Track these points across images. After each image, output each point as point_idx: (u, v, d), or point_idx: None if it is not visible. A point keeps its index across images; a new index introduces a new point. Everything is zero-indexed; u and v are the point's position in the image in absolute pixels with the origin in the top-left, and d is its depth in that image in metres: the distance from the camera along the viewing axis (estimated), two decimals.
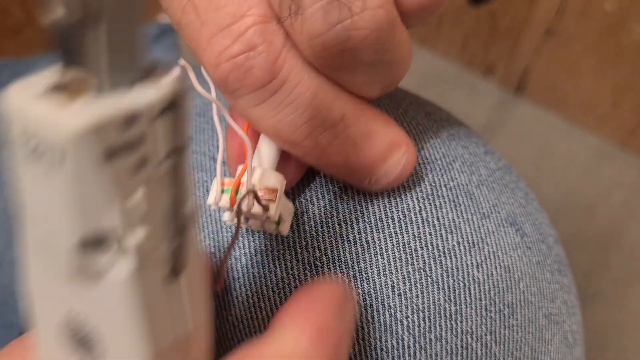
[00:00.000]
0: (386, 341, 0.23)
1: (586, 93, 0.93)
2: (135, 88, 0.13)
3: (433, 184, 0.25)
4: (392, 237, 0.24)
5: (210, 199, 0.21)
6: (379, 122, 0.22)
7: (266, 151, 0.22)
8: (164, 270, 0.14)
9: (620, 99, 0.91)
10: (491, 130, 0.95)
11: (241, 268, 0.24)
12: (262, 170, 0.21)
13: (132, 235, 0.13)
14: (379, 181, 0.23)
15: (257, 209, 0.21)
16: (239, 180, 0.21)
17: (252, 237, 0.25)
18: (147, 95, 0.13)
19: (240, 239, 0.25)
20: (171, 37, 0.45)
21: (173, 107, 0.13)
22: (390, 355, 0.23)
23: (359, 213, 0.24)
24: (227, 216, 0.22)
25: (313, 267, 0.24)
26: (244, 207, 0.20)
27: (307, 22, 0.18)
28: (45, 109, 0.13)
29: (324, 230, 0.24)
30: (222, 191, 0.21)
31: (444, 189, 0.25)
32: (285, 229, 0.22)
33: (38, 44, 0.91)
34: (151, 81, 0.13)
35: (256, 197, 0.20)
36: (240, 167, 0.22)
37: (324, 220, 0.24)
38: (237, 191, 0.21)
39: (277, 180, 0.21)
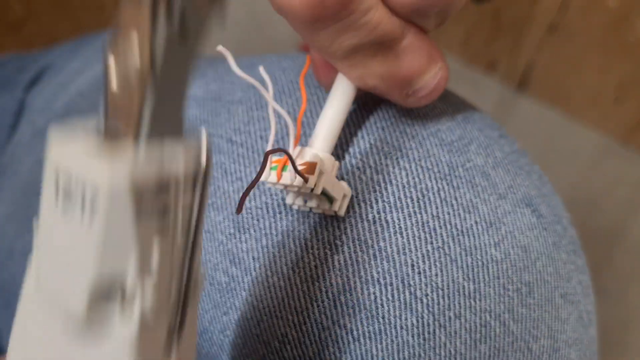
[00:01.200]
0: (406, 319, 0.23)
1: (589, 89, 0.93)
2: (169, 144, 0.14)
3: (450, 165, 0.25)
4: (411, 216, 0.24)
5: (264, 177, 0.22)
6: (421, 37, 0.23)
7: (324, 133, 0.23)
8: (167, 325, 0.15)
9: (623, 95, 0.91)
10: None
11: (261, 248, 0.24)
12: (313, 151, 0.23)
13: (142, 288, 0.14)
14: (417, 93, 0.24)
15: (297, 180, 0.21)
16: (286, 159, 0.22)
17: (273, 217, 0.25)
18: (180, 162, 0.14)
19: (260, 219, 0.25)
20: None
21: (202, 176, 0.15)
22: (410, 333, 0.23)
23: (377, 193, 0.24)
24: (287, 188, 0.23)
25: (333, 246, 0.24)
26: (286, 176, 0.21)
27: None
28: (87, 153, 0.13)
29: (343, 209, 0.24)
30: (271, 168, 0.22)
31: (460, 169, 0.25)
32: (338, 207, 0.23)
33: (39, 39, 0.91)
34: (183, 141, 0.14)
35: (294, 167, 0.21)
36: (292, 148, 0.23)
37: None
38: (283, 167, 0.22)
39: (323, 158, 0.22)
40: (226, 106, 0.28)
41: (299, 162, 0.22)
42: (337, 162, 0.23)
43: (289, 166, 0.21)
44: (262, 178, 0.22)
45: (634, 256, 0.87)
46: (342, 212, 0.23)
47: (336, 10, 0.19)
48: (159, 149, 0.14)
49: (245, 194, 0.20)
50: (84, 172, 0.13)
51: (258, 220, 0.25)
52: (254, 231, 0.25)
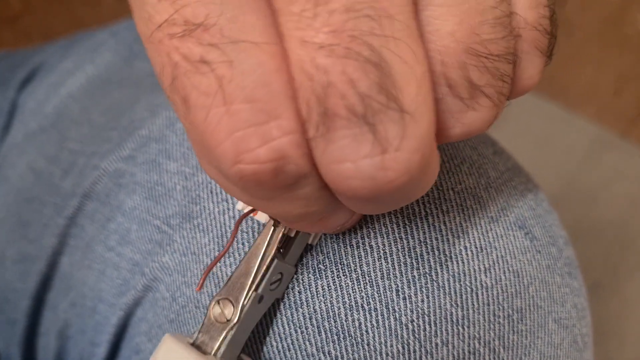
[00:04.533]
0: (392, 346, 0.23)
1: (587, 82, 0.92)
2: None
3: (440, 188, 0.24)
4: (397, 242, 0.23)
5: (239, 205, 0.23)
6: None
7: None
8: None
9: (621, 88, 0.90)
10: None
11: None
12: None
13: None
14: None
15: (262, 216, 0.23)
16: None
17: (251, 241, 0.25)
18: None
19: (246, 244, 0.25)
20: None
21: None
22: None
23: (362, 219, 0.24)
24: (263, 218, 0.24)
25: (316, 271, 0.23)
26: (265, 232, 0.22)
27: (332, 146, 0.15)
28: (187, 356, 0.21)
29: (327, 235, 0.24)
30: None
31: (451, 192, 0.25)
32: (311, 239, 0.24)
33: (35, 33, 0.90)
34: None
35: (273, 219, 0.22)
36: None
37: None
38: None
39: None
40: None
41: None
42: None
43: None
44: (239, 207, 0.23)
45: (632, 250, 0.87)
46: (314, 242, 0.24)
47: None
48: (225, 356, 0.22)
49: (208, 269, 0.22)
50: None
51: (243, 244, 0.25)
52: (238, 255, 0.25)
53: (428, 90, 0.16)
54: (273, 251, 0.22)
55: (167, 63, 0.15)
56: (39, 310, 0.33)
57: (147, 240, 0.28)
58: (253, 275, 0.21)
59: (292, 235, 0.22)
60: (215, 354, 0.21)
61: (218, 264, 0.25)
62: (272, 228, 0.22)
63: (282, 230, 0.22)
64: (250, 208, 0.22)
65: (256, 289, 0.22)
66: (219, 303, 0.22)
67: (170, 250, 0.27)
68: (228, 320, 0.21)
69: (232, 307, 0.21)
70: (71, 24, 0.91)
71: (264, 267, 0.22)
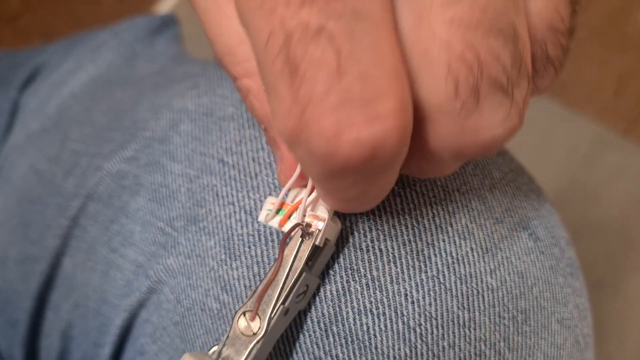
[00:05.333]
0: (399, 349, 0.23)
1: (589, 81, 0.92)
2: None
3: (446, 189, 0.24)
4: (405, 244, 0.23)
5: (262, 217, 0.22)
6: None
7: None
8: None
9: (623, 87, 0.90)
10: None
11: (253, 276, 0.24)
12: (321, 205, 0.22)
13: None
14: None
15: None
16: (296, 206, 0.22)
17: (265, 245, 0.24)
18: None
19: (252, 247, 0.25)
20: (172, 30, 0.44)
21: None
22: None
23: (371, 222, 0.24)
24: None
25: (325, 276, 0.23)
26: (291, 244, 0.22)
27: (474, 117, 0.16)
28: None
29: (336, 239, 0.24)
30: (278, 211, 0.22)
31: (456, 193, 0.24)
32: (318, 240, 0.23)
33: (35, 32, 0.90)
34: None
35: (302, 230, 0.21)
36: (298, 192, 0.22)
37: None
38: (289, 216, 0.22)
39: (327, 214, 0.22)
40: (218, 123, 0.28)
41: (309, 212, 0.22)
42: (339, 225, 0.23)
43: (296, 214, 0.21)
44: (262, 220, 0.22)
45: (634, 249, 0.87)
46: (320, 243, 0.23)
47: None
48: None
49: (260, 296, 0.21)
50: None
51: (249, 247, 0.25)
52: (245, 258, 0.24)
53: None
54: (302, 264, 0.21)
55: (278, 31, 0.15)
56: (42, 311, 0.33)
57: (150, 242, 0.27)
58: (280, 288, 0.21)
59: (321, 245, 0.22)
60: None
61: (224, 267, 0.25)
62: (300, 239, 0.21)
63: (312, 241, 0.21)
64: (290, 224, 0.22)
65: (283, 302, 0.21)
66: (244, 315, 0.21)
67: (174, 253, 0.27)
68: (254, 334, 0.21)
69: (259, 320, 0.21)
70: (71, 24, 0.91)
71: (292, 280, 0.21)
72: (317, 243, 0.21)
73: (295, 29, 0.15)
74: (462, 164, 0.21)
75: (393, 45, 0.15)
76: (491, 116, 0.16)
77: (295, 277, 0.21)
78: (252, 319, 0.21)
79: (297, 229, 0.21)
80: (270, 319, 0.21)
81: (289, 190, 0.22)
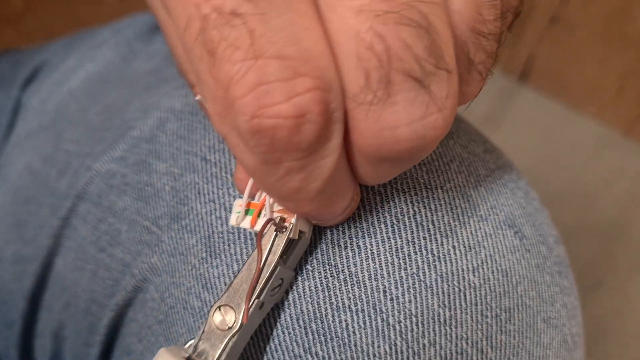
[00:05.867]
0: (379, 346, 0.23)
1: (590, 81, 0.92)
2: None
3: (429, 187, 0.24)
4: (384, 241, 0.23)
5: (232, 221, 0.22)
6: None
7: None
8: None
9: (624, 86, 0.90)
10: (494, 118, 0.95)
11: (233, 274, 0.24)
12: None
13: None
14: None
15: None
16: (263, 203, 0.22)
17: (244, 243, 0.25)
18: None
19: (232, 245, 0.25)
20: None
21: None
22: None
23: (350, 219, 0.24)
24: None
25: (303, 271, 0.23)
26: (266, 238, 0.22)
27: (388, 111, 0.16)
28: None
29: (314, 236, 0.24)
30: (247, 212, 0.22)
31: (440, 190, 0.24)
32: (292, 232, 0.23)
33: (37, 33, 0.90)
34: None
35: (275, 225, 0.21)
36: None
37: (315, 226, 0.23)
38: (259, 214, 0.22)
39: None
40: (202, 121, 0.28)
41: (277, 207, 0.22)
42: None
43: (264, 211, 0.21)
44: (233, 223, 0.22)
45: (633, 249, 0.87)
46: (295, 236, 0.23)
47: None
48: None
49: (248, 297, 0.21)
50: None
51: (229, 245, 0.25)
52: (225, 257, 0.25)
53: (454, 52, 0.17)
54: (277, 258, 0.21)
55: (194, 15, 0.15)
56: (35, 311, 0.33)
57: (137, 241, 0.28)
58: (255, 281, 0.21)
59: (296, 237, 0.22)
60: None
61: (205, 265, 0.25)
62: (274, 234, 0.21)
63: (286, 235, 0.21)
64: (262, 222, 0.22)
65: (258, 296, 0.21)
66: (219, 309, 0.21)
67: (158, 251, 0.27)
68: (230, 328, 0.21)
69: (233, 314, 0.21)
70: (72, 24, 0.91)
71: (267, 274, 0.21)
72: (291, 236, 0.21)
73: (211, 13, 0.15)
74: (399, 169, 0.20)
75: (311, 27, 0.16)
76: (408, 111, 0.16)
77: (270, 270, 0.21)
78: (227, 314, 0.21)
79: (269, 224, 0.21)
80: (245, 312, 0.21)
81: (257, 192, 0.22)
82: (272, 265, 0.21)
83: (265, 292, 0.21)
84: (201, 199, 0.26)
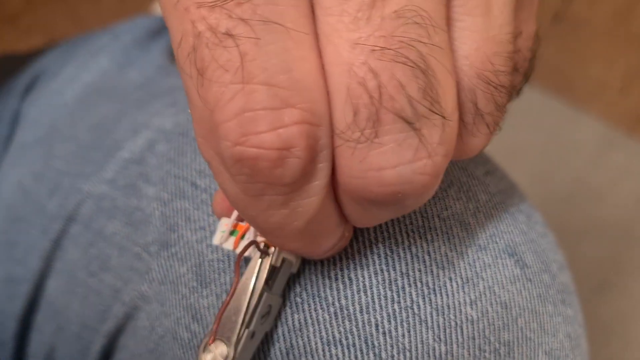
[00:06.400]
0: None
1: (595, 79, 0.91)
2: None
3: (424, 215, 0.24)
4: (377, 274, 0.23)
5: (216, 240, 0.22)
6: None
7: None
8: None
9: (629, 85, 0.89)
10: None
11: (220, 303, 0.24)
12: None
13: None
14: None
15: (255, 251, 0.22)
16: (248, 226, 0.21)
17: (232, 273, 0.24)
18: None
19: (222, 274, 0.24)
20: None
21: None
22: None
23: (342, 250, 0.23)
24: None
25: (293, 304, 0.23)
26: (251, 264, 0.21)
27: (375, 151, 0.15)
28: None
29: (304, 267, 0.23)
30: (232, 232, 0.22)
31: (436, 219, 0.24)
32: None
33: (36, 31, 0.90)
34: None
35: (257, 247, 0.21)
36: None
37: (305, 258, 0.23)
38: (242, 236, 0.21)
39: None
40: (192, 143, 0.27)
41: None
42: None
43: (248, 234, 0.21)
44: (217, 242, 0.22)
45: (638, 249, 0.86)
46: (295, 270, 0.23)
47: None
48: None
49: (218, 317, 0.21)
50: None
51: (219, 274, 0.24)
52: (215, 286, 0.24)
53: (457, 99, 0.16)
54: (262, 285, 0.21)
55: (189, 32, 0.15)
56: (26, 333, 0.33)
57: (127, 267, 0.27)
58: (244, 311, 0.20)
59: (278, 265, 0.21)
60: None
61: (195, 295, 0.24)
62: (260, 260, 0.21)
63: (269, 260, 0.21)
64: (243, 244, 0.21)
65: (248, 326, 0.21)
66: (208, 347, 0.20)
67: (148, 279, 0.26)
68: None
69: (225, 347, 0.20)
70: (72, 23, 0.90)
71: (254, 302, 0.21)
72: (273, 263, 0.21)
73: (205, 32, 0.15)
74: (389, 214, 0.19)
75: (306, 57, 0.15)
76: (395, 153, 0.15)
77: (257, 297, 0.21)
78: (211, 342, 0.20)
79: (251, 247, 0.21)
80: (237, 344, 0.20)
81: None
82: (258, 293, 0.21)
83: (254, 320, 0.21)
84: (191, 226, 0.25)
